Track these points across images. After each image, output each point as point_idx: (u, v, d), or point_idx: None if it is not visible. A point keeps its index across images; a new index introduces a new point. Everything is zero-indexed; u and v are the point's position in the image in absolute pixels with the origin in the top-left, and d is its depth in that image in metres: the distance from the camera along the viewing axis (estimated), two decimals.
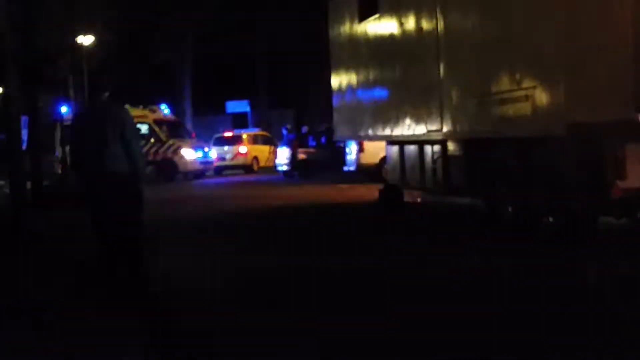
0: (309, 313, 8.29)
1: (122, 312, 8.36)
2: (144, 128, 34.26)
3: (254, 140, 42.22)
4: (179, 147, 35.85)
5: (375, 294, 9.13)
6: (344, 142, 26.37)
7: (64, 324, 8.09)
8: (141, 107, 35.50)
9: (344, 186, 26.51)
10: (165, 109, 37.86)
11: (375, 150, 25.47)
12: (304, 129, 38.43)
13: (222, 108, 55.55)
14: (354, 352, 6.78)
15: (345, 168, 28.81)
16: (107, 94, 9.35)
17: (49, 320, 8.35)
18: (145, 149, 32.28)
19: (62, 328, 7.95)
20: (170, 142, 35.83)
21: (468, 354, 6.55)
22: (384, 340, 7.02)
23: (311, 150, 34.33)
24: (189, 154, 36.23)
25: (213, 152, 39.26)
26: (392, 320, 7.74)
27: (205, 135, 42.57)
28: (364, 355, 6.68)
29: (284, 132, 35.44)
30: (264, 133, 44.01)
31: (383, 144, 19.41)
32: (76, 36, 33.52)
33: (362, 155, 27.47)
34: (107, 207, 9.01)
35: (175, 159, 35.75)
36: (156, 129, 35.68)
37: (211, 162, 38.58)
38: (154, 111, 36.52)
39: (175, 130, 37.62)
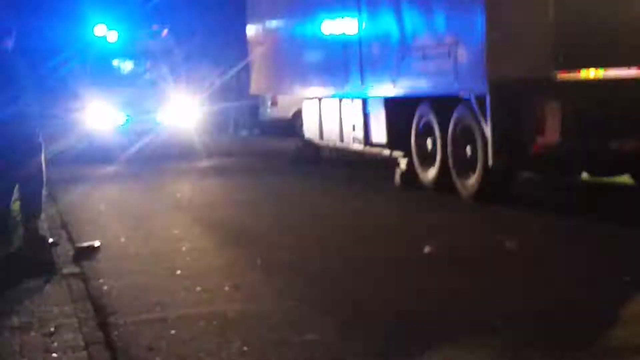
0: None
1: None
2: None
3: None
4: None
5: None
6: (260, 95, 26.18)
7: None
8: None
9: (256, 140, 26.53)
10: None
11: (289, 104, 25.39)
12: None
13: None
14: None
15: (259, 120, 28.71)
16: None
17: None
18: None
19: None
20: None
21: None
22: None
23: None
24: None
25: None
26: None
27: None
28: None
29: None
30: None
31: (297, 97, 19.36)
32: None
33: (275, 108, 27.38)
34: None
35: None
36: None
37: None
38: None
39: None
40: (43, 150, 9.36)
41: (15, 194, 9.54)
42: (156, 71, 23.24)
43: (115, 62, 23.78)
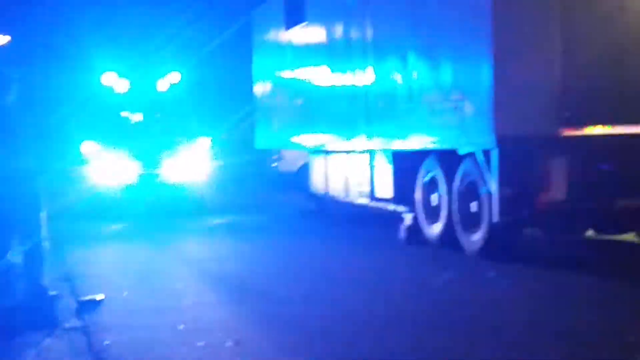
0: None
1: None
2: None
3: None
4: None
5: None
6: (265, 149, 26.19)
7: None
8: None
9: (262, 193, 26.49)
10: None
11: (294, 158, 25.36)
12: None
13: None
14: None
15: (265, 173, 28.68)
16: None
17: None
18: None
19: None
20: None
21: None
22: None
23: None
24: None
25: None
26: None
27: None
28: None
29: None
30: None
31: (303, 151, 19.38)
32: None
33: (280, 162, 27.39)
34: None
35: None
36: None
37: None
38: None
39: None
40: (43, 205, 9.29)
41: (17, 247, 9.48)
42: (165, 123, 21.76)
43: (123, 114, 22.01)
